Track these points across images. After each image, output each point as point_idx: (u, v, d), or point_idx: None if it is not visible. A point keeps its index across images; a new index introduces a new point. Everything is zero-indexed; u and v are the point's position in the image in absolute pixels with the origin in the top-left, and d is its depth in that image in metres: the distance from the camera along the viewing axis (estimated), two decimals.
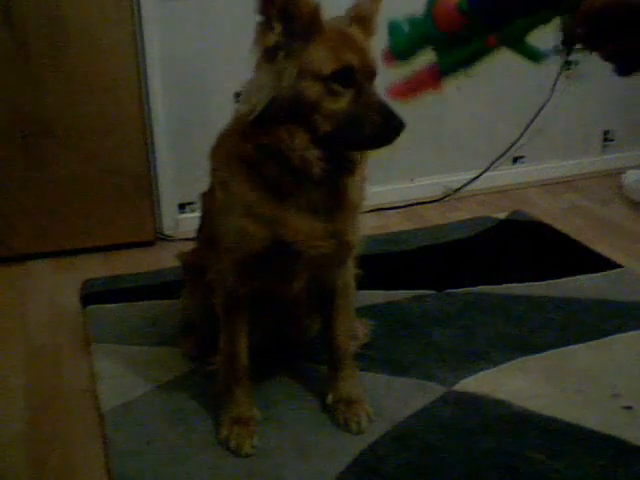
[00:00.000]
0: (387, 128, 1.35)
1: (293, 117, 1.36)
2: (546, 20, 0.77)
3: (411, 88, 0.90)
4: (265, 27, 1.32)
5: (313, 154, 1.38)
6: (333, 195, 1.47)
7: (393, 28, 0.89)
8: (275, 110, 1.35)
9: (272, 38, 1.32)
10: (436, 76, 0.87)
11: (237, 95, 2.63)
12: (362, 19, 1.42)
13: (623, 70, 0.73)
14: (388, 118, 1.34)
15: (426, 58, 0.87)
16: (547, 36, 0.83)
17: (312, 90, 1.34)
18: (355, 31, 1.40)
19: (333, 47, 1.34)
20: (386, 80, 0.96)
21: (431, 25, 0.83)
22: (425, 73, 0.87)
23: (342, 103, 1.34)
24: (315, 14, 1.33)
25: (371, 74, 1.38)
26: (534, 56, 0.82)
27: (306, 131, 1.37)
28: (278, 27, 1.32)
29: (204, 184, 1.69)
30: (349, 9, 1.44)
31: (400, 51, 0.88)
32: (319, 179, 1.41)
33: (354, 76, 1.35)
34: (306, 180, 1.41)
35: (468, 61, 0.84)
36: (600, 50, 0.72)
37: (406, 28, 0.88)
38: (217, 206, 1.55)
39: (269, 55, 1.34)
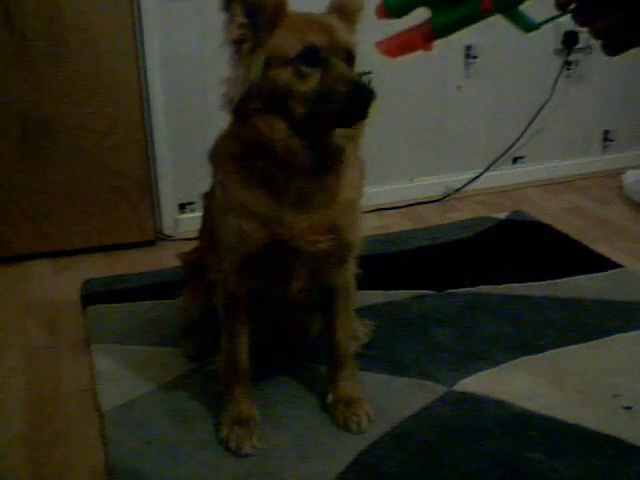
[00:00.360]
0: (356, 100, 1.34)
1: (271, 107, 1.37)
2: None
3: (400, 46, 0.88)
4: (230, 22, 1.35)
5: (295, 142, 1.38)
6: (326, 188, 1.46)
7: None
8: (253, 103, 1.37)
9: (237, 32, 1.34)
10: (427, 36, 0.84)
11: None
12: (342, 9, 1.43)
13: (610, 49, 0.73)
14: (356, 90, 1.33)
15: (419, 15, 0.85)
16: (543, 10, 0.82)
17: (281, 76, 1.35)
18: (328, 17, 1.41)
19: (297, 30, 1.35)
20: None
21: None
22: (416, 32, 0.85)
23: (312, 83, 1.34)
24: (279, 5, 1.35)
25: (340, 51, 1.37)
26: (526, 26, 0.80)
27: (284, 119, 1.37)
28: (242, 21, 1.34)
29: (204, 184, 1.69)
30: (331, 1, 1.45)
31: (393, 7, 0.86)
32: (306, 168, 1.41)
33: (320, 55, 1.35)
34: (294, 172, 1.41)
35: (461, 23, 0.82)
36: (589, 26, 0.72)
37: None
38: (216, 206, 1.56)
39: (237, 49, 1.36)
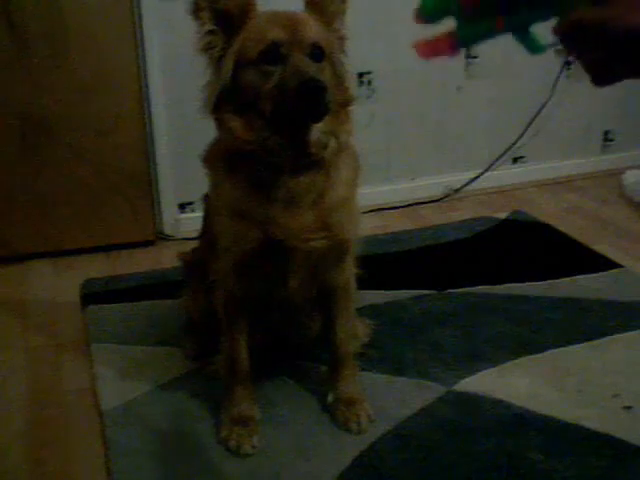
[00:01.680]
0: (302, 94, 1.31)
1: (244, 108, 1.39)
2: (545, 17, 0.83)
3: (431, 49, 0.96)
4: (199, 30, 1.38)
5: (271, 141, 1.39)
6: (315, 186, 1.46)
7: None
8: (226, 105, 1.41)
9: (206, 39, 1.39)
10: (453, 45, 0.92)
11: None
12: (316, 5, 1.43)
13: (597, 81, 0.80)
14: (302, 85, 1.31)
15: (450, 24, 0.93)
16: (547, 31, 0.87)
17: (247, 76, 1.37)
18: (297, 13, 1.41)
19: (260, 29, 1.36)
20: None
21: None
22: (444, 40, 0.93)
23: (273, 81, 1.35)
24: (244, 7, 1.37)
25: (303, 46, 1.36)
26: (533, 47, 0.87)
27: (258, 119, 1.38)
28: (211, 27, 1.37)
29: (204, 184, 1.69)
30: None
31: (426, 15, 0.94)
32: (288, 166, 1.41)
33: (280, 52, 1.35)
34: (279, 170, 1.42)
35: (480, 38, 0.90)
36: (577, 59, 0.78)
37: None
38: (211, 207, 1.58)
39: (209, 55, 1.41)
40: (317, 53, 1.38)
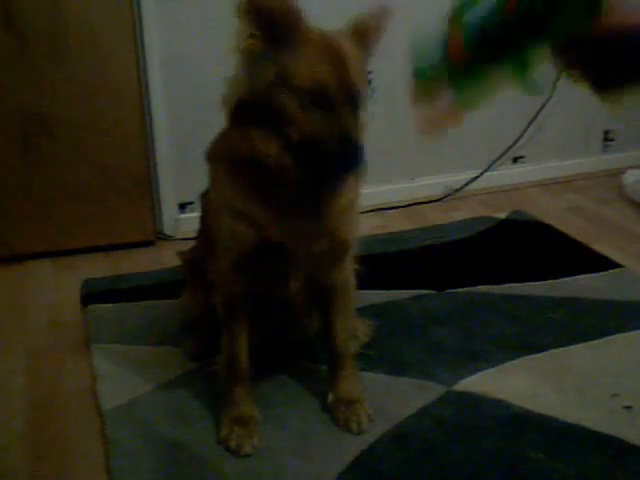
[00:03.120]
0: (343, 155, 1.33)
1: (267, 120, 1.35)
2: (537, 54, 0.84)
3: (435, 125, 0.97)
4: (242, 31, 1.33)
5: (287, 160, 1.37)
6: (321, 197, 1.46)
7: (418, 73, 0.96)
8: (251, 112, 1.36)
9: (248, 42, 1.32)
10: (455, 112, 0.93)
11: None
12: (362, 34, 1.40)
13: (594, 89, 0.81)
14: (346, 145, 1.32)
15: (446, 95, 0.94)
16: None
17: (285, 100, 1.33)
18: (348, 45, 1.36)
19: (314, 61, 1.32)
20: None
21: (446, 59, 0.89)
22: (445, 110, 0.94)
23: (312, 121, 1.33)
24: (295, 20, 1.31)
25: (350, 94, 1.35)
26: (529, 89, 0.88)
27: (279, 137, 1.35)
28: (255, 32, 1.31)
29: (204, 184, 1.69)
30: (351, 21, 1.41)
31: (423, 95, 0.95)
32: (297, 186, 1.40)
33: (328, 97, 1.32)
34: (286, 185, 1.41)
35: (481, 95, 0.91)
36: (570, 71, 0.80)
37: (428, 72, 0.95)
38: (212, 206, 1.57)
39: (248, 56, 1.34)
40: (357, 101, 1.37)
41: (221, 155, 1.50)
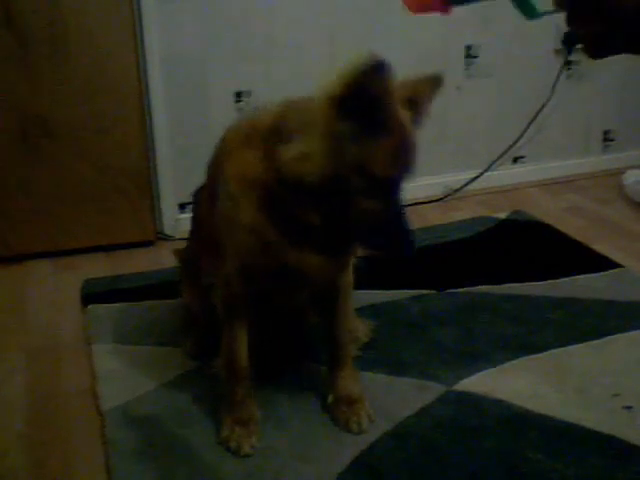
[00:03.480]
0: (393, 249, 1.41)
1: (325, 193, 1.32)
2: None
3: (422, 5, 0.94)
4: (337, 110, 1.26)
5: (316, 219, 1.36)
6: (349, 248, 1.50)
7: None
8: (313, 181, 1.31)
9: (341, 124, 1.26)
10: (446, 1, 0.91)
11: (237, 95, 2.64)
12: (415, 103, 1.38)
13: (591, 53, 0.79)
14: (398, 242, 1.40)
15: None
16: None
17: (355, 183, 1.30)
18: (409, 123, 1.34)
19: (395, 154, 1.31)
20: None
21: None
22: None
23: (372, 206, 1.33)
24: (389, 107, 1.28)
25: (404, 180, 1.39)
26: (529, 12, 0.86)
27: (331, 210, 1.34)
28: (350, 115, 1.26)
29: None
30: (404, 84, 1.37)
31: None
32: (319, 240, 1.41)
33: (393, 187, 1.37)
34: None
35: None
36: (577, 30, 0.78)
37: None
38: (224, 216, 1.50)
39: (334, 135, 1.27)
40: None
41: (250, 176, 1.41)
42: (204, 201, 1.68)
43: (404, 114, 1.34)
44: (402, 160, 1.33)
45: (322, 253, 1.44)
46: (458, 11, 0.97)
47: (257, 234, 1.42)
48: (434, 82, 1.46)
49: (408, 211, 1.43)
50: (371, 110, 1.25)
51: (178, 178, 2.65)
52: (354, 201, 1.32)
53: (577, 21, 0.78)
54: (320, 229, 1.37)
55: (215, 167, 1.56)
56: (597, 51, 0.78)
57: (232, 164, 1.46)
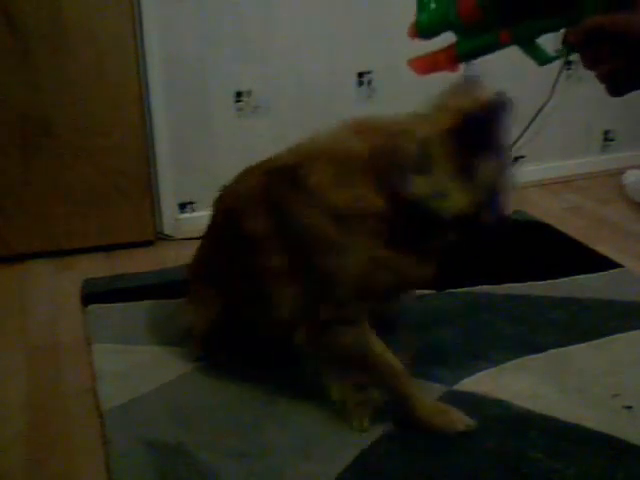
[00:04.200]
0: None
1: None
2: (554, 27, 0.80)
3: (429, 65, 0.94)
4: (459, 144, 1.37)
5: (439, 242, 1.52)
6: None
7: (420, 4, 0.92)
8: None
9: (467, 159, 1.36)
10: (453, 59, 0.90)
11: (237, 95, 2.64)
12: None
13: (613, 91, 0.76)
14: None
15: (448, 38, 0.90)
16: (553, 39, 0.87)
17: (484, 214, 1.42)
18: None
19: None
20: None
21: (453, 11, 0.85)
22: (443, 54, 0.90)
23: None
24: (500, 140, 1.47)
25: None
26: (541, 58, 0.86)
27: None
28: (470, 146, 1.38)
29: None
30: (438, 98, 1.49)
31: (423, 29, 0.92)
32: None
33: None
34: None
35: (483, 51, 0.88)
36: (594, 70, 0.75)
37: (432, 7, 0.91)
38: (329, 241, 1.48)
39: (464, 170, 1.36)
40: None
41: (366, 212, 1.45)
42: (266, 239, 1.58)
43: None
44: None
45: (435, 264, 1.53)
46: None
47: (376, 259, 1.45)
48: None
49: None
50: (490, 143, 1.39)
51: (178, 178, 2.65)
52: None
53: (595, 61, 0.76)
54: (438, 247, 1.46)
55: (297, 199, 1.52)
56: (619, 88, 0.75)
57: (338, 196, 1.47)
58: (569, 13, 0.77)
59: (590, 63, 0.76)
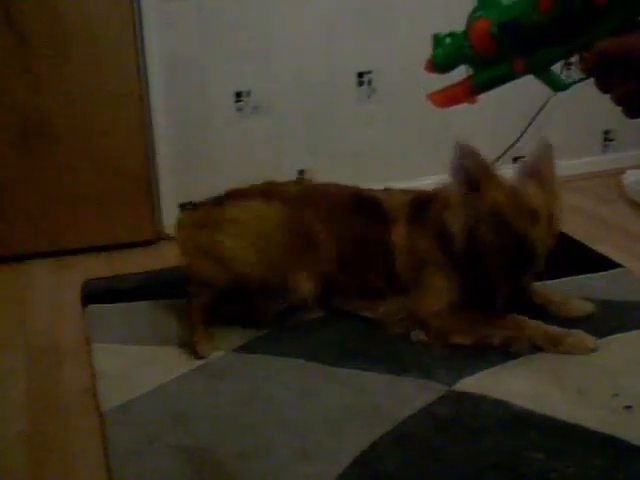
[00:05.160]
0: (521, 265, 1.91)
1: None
2: (566, 54, 0.81)
3: (448, 99, 0.96)
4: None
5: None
6: None
7: (436, 40, 0.94)
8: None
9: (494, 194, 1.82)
10: (470, 91, 0.92)
11: (237, 95, 2.64)
12: (534, 172, 1.85)
13: (631, 114, 0.76)
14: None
15: (464, 71, 0.92)
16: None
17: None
18: (530, 193, 1.84)
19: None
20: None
21: (467, 44, 0.87)
22: (460, 87, 0.92)
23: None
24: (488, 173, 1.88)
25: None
26: (556, 85, 0.86)
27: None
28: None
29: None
30: (532, 168, 1.86)
31: (440, 64, 0.94)
32: None
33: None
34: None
35: (499, 82, 0.90)
36: (609, 93, 0.75)
37: (448, 42, 0.93)
38: (422, 255, 1.96)
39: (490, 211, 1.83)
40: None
41: (433, 223, 1.95)
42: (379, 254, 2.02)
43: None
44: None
45: None
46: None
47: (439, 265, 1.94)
48: (548, 151, 1.89)
49: None
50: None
51: (178, 178, 2.65)
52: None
53: (609, 84, 0.74)
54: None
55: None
56: (636, 110, 0.75)
57: (417, 220, 2.03)
58: (580, 39, 0.77)
59: (604, 87, 0.75)
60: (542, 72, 0.84)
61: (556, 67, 0.85)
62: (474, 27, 0.85)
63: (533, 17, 0.78)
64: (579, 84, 0.83)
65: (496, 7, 0.83)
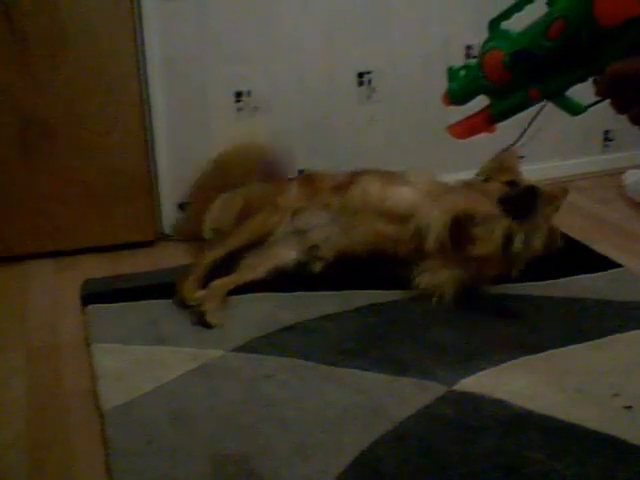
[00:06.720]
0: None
1: None
2: (580, 79, 0.82)
3: (467, 130, 0.97)
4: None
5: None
6: None
7: (451, 73, 0.96)
8: None
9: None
10: (489, 121, 0.93)
11: (237, 95, 2.64)
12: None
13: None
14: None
15: (482, 101, 0.94)
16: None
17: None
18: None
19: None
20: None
21: (481, 75, 0.88)
22: (479, 118, 0.94)
23: None
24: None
25: None
26: (572, 110, 0.87)
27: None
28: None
29: None
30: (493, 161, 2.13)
31: (456, 96, 0.96)
32: None
33: None
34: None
35: (517, 110, 0.91)
36: (625, 114, 0.76)
37: (462, 74, 0.94)
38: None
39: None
40: None
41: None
42: None
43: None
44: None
45: None
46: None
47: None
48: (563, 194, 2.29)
49: None
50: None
51: (178, 178, 2.65)
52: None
53: (624, 106, 0.76)
54: None
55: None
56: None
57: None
58: (593, 62, 0.78)
59: (620, 108, 0.77)
60: (557, 97, 0.85)
61: (572, 91, 0.85)
62: (487, 59, 0.86)
63: (544, 43, 0.78)
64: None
65: (507, 37, 0.84)
